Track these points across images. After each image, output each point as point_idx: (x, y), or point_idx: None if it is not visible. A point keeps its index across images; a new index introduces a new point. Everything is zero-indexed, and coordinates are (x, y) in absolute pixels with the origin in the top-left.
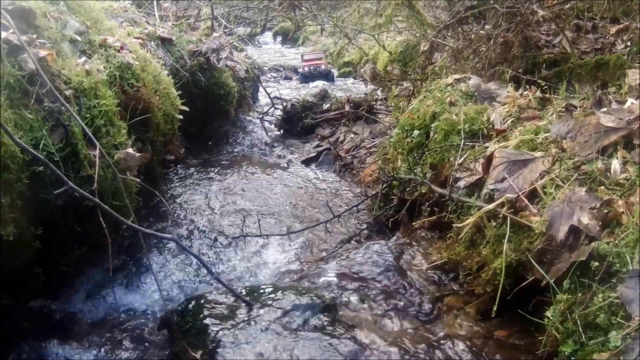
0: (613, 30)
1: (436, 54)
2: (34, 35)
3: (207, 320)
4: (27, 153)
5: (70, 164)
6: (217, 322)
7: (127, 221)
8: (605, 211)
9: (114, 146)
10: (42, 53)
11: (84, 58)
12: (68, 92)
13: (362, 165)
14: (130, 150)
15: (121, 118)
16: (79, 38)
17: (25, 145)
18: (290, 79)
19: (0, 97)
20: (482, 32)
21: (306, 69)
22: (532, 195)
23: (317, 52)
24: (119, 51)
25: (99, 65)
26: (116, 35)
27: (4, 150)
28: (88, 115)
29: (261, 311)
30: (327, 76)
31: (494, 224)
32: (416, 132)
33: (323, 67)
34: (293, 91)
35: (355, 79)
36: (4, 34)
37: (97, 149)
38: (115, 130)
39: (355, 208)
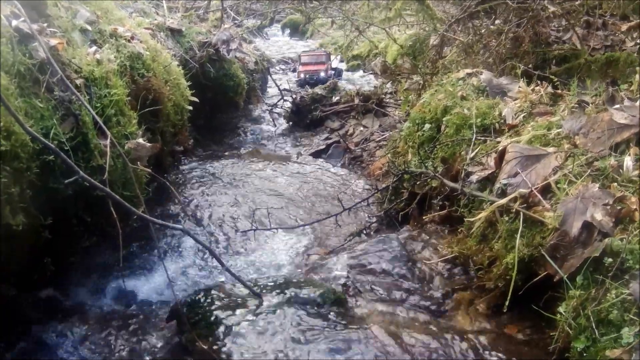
0: (623, 27)
1: (446, 48)
2: (45, 24)
3: (217, 312)
4: (37, 142)
5: (81, 153)
6: (227, 313)
7: (138, 211)
8: (619, 208)
9: (125, 136)
10: (53, 42)
11: (94, 47)
12: (79, 81)
13: (371, 159)
14: (140, 140)
15: (131, 108)
16: (89, 27)
17: (36, 134)
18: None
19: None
20: (492, 27)
21: (302, 75)
22: (545, 191)
23: (319, 52)
24: (129, 41)
25: (109, 54)
26: (126, 25)
27: (14, 139)
28: (99, 105)
29: (271, 303)
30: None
31: (506, 218)
32: (427, 126)
33: (322, 74)
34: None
35: (364, 72)
36: (14, 23)
37: (109, 139)
38: (125, 120)
39: (365, 201)
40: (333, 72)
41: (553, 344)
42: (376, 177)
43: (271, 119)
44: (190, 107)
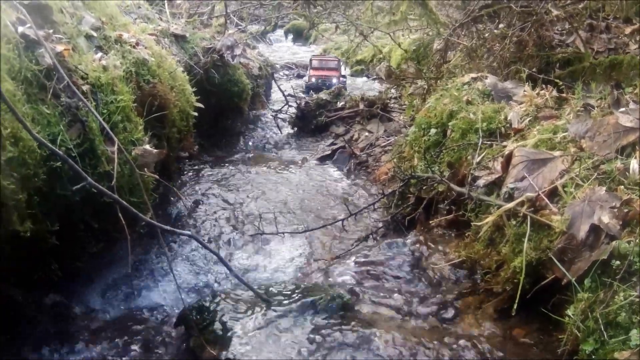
0: (627, 30)
1: (450, 52)
2: (51, 31)
3: (225, 317)
4: (45, 148)
5: (88, 159)
6: (235, 319)
7: (146, 217)
8: (625, 210)
9: (131, 142)
10: (59, 48)
11: (100, 54)
12: (85, 88)
13: (377, 164)
14: (147, 146)
15: (138, 114)
16: (94, 34)
17: (44, 141)
18: (303, 76)
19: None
20: (496, 31)
21: (313, 80)
22: (552, 194)
23: (330, 57)
24: (134, 47)
25: (115, 61)
26: (131, 31)
27: (21, 146)
28: (105, 111)
29: (279, 308)
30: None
31: (513, 222)
32: (433, 131)
33: (334, 80)
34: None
35: (367, 77)
36: (20, 29)
37: (116, 145)
38: (132, 126)
39: (371, 206)
40: (345, 79)
41: (561, 346)
42: (382, 182)
43: (276, 125)
44: (196, 113)
